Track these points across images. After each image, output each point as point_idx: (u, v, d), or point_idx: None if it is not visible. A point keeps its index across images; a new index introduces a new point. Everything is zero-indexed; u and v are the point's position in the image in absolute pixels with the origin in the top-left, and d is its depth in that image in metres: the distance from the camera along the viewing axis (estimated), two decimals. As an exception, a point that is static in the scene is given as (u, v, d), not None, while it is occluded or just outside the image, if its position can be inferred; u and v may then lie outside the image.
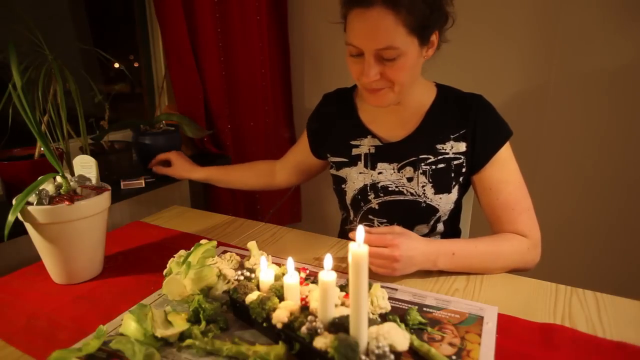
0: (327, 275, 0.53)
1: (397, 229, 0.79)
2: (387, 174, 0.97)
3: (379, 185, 0.98)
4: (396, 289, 0.76)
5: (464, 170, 0.93)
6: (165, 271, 0.77)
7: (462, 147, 0.92)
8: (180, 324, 0.63)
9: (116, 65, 1.76)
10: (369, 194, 0.99)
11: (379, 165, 0.98)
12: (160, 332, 0.60)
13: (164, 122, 1.64)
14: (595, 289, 0.76)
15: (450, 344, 0.61)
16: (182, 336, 0.62)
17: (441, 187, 0.94)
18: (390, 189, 0.97)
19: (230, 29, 1.82)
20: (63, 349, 0.60)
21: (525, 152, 1.79)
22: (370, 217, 1.02)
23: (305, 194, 2.39)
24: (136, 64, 1.85)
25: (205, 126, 1.77)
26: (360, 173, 1.00)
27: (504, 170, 0.88)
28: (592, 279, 1.78)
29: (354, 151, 1.00)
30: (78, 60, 1.60)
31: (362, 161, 0.99)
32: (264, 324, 0.61)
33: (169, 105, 1.83)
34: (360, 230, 0.51)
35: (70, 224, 0.76)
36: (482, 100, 0.93)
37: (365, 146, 0.99)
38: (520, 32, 1.71)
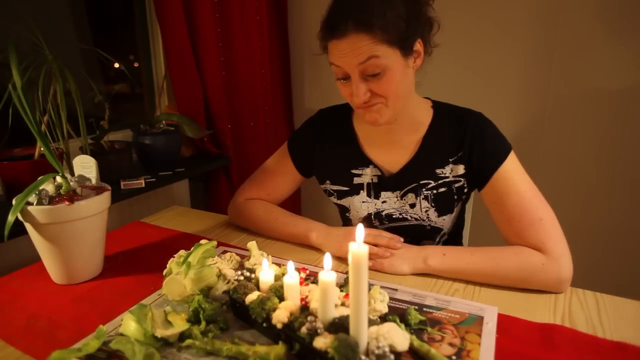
0: (327, 275, 0.53)
1: (386, 233, 0.80)
2: (390, 202, 0.96)
3: (383, 213, 0.97)
4: (396, 289, 0.76)
5: (465, 190, 0.93)
6: (165, 271, 0.77)
7: (460, 169, 0.91)
8: (180, 324, 0.63)
9: (116, 65, 1.76)
10: (374, 221, 0.99)
11: (383, 194, 0.97)
12: (160, 332, 0.60)
13: (164, 122, 1.64)
14: (595, 289, 0.76)
15: (450, 344, 0.61)
16: (182, 336, 0.62)
17: (444, 210, 0.94)
18: (394, 216, 0.97)
19: (230, 29, 1.82)
20: (63, 349, 0.59)
21: (526, 154, 1.79)
22: None
23: (306, 194, 2.39)
24: (136, 64, 1.85)
25: (205, 126, 1.77)
26: (363, 202, 0.99)
27: (507, 183, 0.84)
28: (592, 280, 1.78)
29: (356, 180, 0.98)
30: (78, 60, 1.60)
31: (365, 190, 0.98)
32: (264, 324, 0.61)
33: (169, 105, 1.83)
34: (360, 229, 0.51)
35: (70, 224, 0.76)
36: (478, 119, 0.90)
37: (367, 176, 0.97)
38: (521, 36, 1.71)
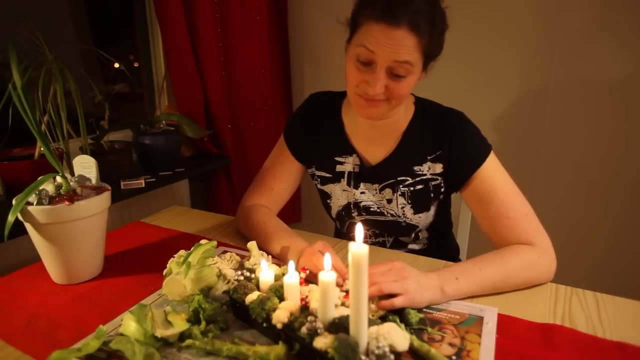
0: (327, 275, 0.53)
1: (397, 264, 0.71)
2: (369, 194, 0.97)
3: (361, 204, 0.98)
4: (396, 289, 0.76)
5: (442, 190, 0.93)
6: (165, 271, 0.77)
7: (438, 168, 0.91)
8: (180, 324, 0.63)
9: (116, 65, 1.76)
10: (353, 211, 1.00)
11: (362, 185, 0.97)
12: (160, 332, 0.60)
13: (164, 122, 1.64)
14: (596, 289, 0.76)
15: (450, 344, 0.61)
16: (182, 336, 0.62)
17: (420, 207, 0.95)
18: (372, 209, 0.98)
19: (230, 29, 1.82)
20: (63, 349, 0.59)
21: (526, 154, 1.79)
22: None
23: (305, 194, 2.39)
24: (136, 64, 1.85)
25: (205, 126, 1.77)
26: (343, 190, 1.00)
27: (491, 181, 0.85)
28: (593, 280, 1.78)
29: (338, 168, 0.99)
30: (78, 60, 1.60)
31: (345, 179, 0.99)
32: (264, 324, 0.61)
33: (169, 105, 1.83)
34: (359, 229, 0.51)
35: (70, 224, 0.76)
36: (458, 120, 0.90)
37: (349, 164, 0.98)
38: (521, 34, 1.71)
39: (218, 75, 1.79)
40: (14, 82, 0.73)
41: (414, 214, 0.95)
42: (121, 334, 0.61)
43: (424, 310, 0.69)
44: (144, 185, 1.39)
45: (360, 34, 0.80)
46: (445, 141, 0.89)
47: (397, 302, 0.65)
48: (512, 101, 1.79)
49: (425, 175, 0.92)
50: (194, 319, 0.65)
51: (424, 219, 0.96)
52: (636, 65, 1.56)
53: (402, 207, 0.95)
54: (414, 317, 0.65)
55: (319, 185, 1.04)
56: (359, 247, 0.49)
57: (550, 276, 0.79)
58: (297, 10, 2.17)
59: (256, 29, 1.94)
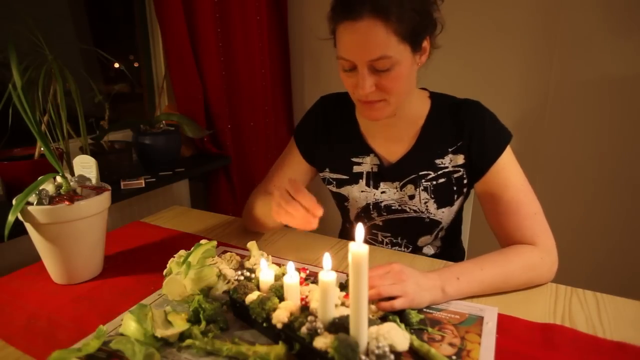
0: (327, 275, 0.53)
1: (395, 266, 0.71)
2: (390, 192, 0.96)
3: (382, 204, 0.97)
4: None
5: (465, 182, 0.92)
6: (165, 271, 0.77)
7: (460, 159, 0.90)
8: (180, 324, 0.63)
9: (116, 65, 1.76)
10: (372, 212, 0.99)
11: (382, 184, 0.96)
12: (160, 332, 0.60)
13: (164, 122, 1.64)
14: (596, 289, 0.76)
15: (450, 344, 0.61)
16: (182, 336, 0.62)
17: (443, 202, 0.93)
18: (393, 207, 0.96)
19: (230, 29, 1.82)
20: (63, 349, 0.59)
21: (526, 154, 1.79)
22: (374, 231, 1.01)
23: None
24: (136, 64, 1.85)
25: (205, 126, 1.77)
26: (362, 192, 0.98)
27: (505, 175, 0.85)
28: (593, 280, 1.78)
29: (355, 169, 0.98)
30: (78, 60, 1.60)
31: (364, 180, 0.97)
32: (264, 324, 0.61)
33: (169, 105, 1.83)
34: (360, 229, 0.51)
35: (70, 224, 0.76)
36: (477, 108, 0.90)
37: (367, 164, 0.96)
38: (521, 34, 1.71)
39: (218, 75, 1.79)
40: (14, 82, 0.73)
41: (437, 208, 0.94)
42: (121, 334, 0.61)
43: (424, 310, 0.69)
44: (144, 185, 1.39)
45: (337, 42, 0.81)
46: (465, 131, 0.88)
47: (397, 304, 0.65)
48: (512, 101, 1.79)
49: (447, 167, 0.91)
50: (194, 319, 0.65)
51: (447, 215, 0.95)
52: (636, 66, 1.56)
53: (425, 202, 0.93)
54: (414, 317, 0.65)
55: (334, 189, 1.02)
56: (359, 247, 0.49)
57: (551, 276, 0.79)
58: (297, 10, 2.17)
59: (256, 29, 1.94)
